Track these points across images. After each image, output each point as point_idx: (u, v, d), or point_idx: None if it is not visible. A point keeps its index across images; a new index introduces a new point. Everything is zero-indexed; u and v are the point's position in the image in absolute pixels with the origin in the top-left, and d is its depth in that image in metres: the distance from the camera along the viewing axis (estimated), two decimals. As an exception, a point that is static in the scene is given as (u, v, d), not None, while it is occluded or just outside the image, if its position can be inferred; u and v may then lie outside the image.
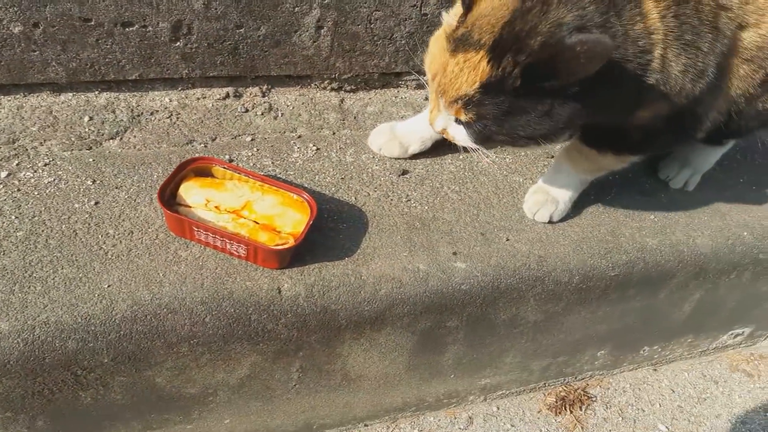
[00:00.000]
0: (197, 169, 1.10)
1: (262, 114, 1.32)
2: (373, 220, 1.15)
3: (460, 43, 0.91)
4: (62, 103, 1.22)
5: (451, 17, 0.96)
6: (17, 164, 1.10)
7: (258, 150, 1.24)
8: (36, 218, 1.03)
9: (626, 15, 0.89)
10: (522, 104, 0.90)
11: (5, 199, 1.04)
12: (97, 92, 1.25)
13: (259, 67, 1.32)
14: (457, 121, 0.99)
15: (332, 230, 1.12)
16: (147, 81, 1.27)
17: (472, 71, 0.90)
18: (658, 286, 1.32)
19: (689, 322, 1.49)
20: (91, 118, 1.21)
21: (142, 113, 1.25)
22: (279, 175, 1.19)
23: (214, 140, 1.24)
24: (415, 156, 1.30)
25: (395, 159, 1.29)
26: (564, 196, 1.22)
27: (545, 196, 1.23)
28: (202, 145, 1.22)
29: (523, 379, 1.42)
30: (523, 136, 0.94)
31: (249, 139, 1.26)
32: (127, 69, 1.23)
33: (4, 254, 0.97)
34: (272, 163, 1.22)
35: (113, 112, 1.23)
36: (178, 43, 1.23)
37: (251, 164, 1.20)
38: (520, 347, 1.31)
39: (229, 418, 1.16)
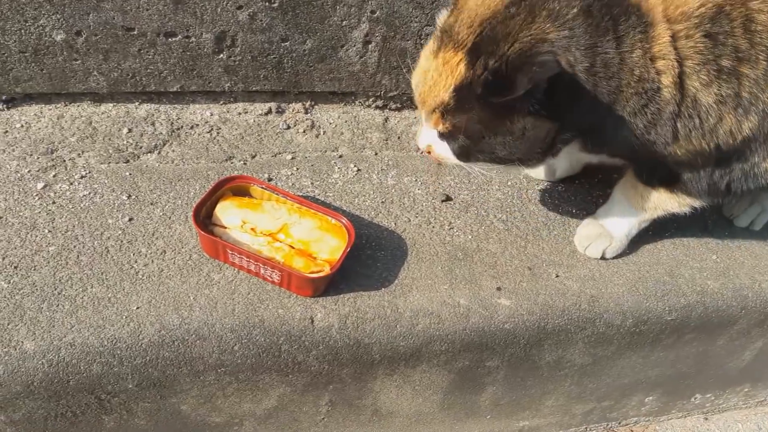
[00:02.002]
0: (235, 188, 1.06)
1: (304, 131, 1.27)
2: (413, 249, 1.09)
3: (444, 35, 0.86)
4: (102, 113, 1.20)
5: (443, 18, 0.91)
6: (54, 176, 1.08)
7: (298, 169, 1.19)
8: (69, 233, 1.00)
9: (627, 41, 0.83)
10: (493, 120, 0.85)
11: (40, 212, 1.02)
12: (137, 103, 1.23)
13: (303, 82, 1.27)
14: (440, 136, 0.93)
15: (370, 258, 1.06)
16: (188, 93, 1.24)
17: (449, 74, 0.84)
18: (718, 332, 1.22)
19: (748, 371, 1.38)
20: (130, 130, 1.19)
21: (182, 127, 1.22)
22: (318, 197, 1.14)
23: (253, 157, 1.20)
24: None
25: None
26: (619, 232, 1.14)
27: (599, 230, 1.14)
28: (242, 162, 1.19)
29: (564, 423, 1.33)
30: (502, 157, 0.90)
31: (289, 157, 1.22)
32: (168, 80, 1.20)
33: (35, 269, 0.94)
34: (311, 183, 1.17)
35: (152, 124, 1.21)
36: (221, 55, 1.20)
37: (290, 184, 1.16)
38: (564, 390, 1.23)
39: (254, 448, 1.12)
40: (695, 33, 0.84)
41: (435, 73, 0.86)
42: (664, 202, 1.08)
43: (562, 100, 0.81)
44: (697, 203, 1.07)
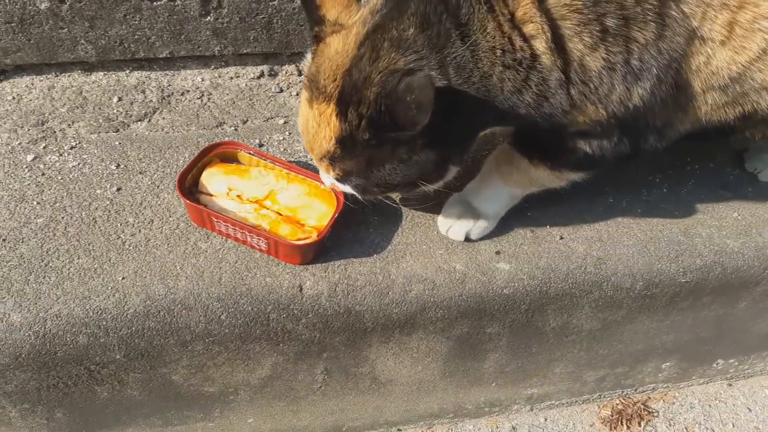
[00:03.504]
0: (222, 154, 1.03)
1: (297, 94, 1.23)
2: (408, 213, 1.05)
3: (312, 85, 0.83)
4: (93, 83, 1.18)
5: (307, 65, 0.86)
6: (44, 147, 1.07)
7: (290, 134, 1.16)
8: (57, 204, 0.99)
9: (473, 24, 0.75)
10: (381, 155, 0.82)
11: (29, 184, 1.01)
12: (128, 71, 1.20)
13: (295, 43, 1.23)
14: (336, 179, 0.89)
15: (362, 223, 1.03)
16: (179, 59, 1.21)
17: (327, 126, 0.81)
18: (739, 294, 1.15)
19: (774, 335, 1.30)
20: (120, 99, 1.17)
21: (172, 93, 1.19)
22: (310, 162, 1.11)
23: (245, 123, 1.17)
24: None
25: None
26: (488, 211, 1.02)
27: (464, 208, 1.02)
28: (233, 128, 1.16)
29: (575, 390, 1.29)
30: (398, 183, 0.86)
31: (282, 121, 1.18)
32: (157, 46, 1.17)
33: (22, 242, 0.94)
34: (304, 148, 1.13)
35: (143, 92, 1.18)
36: (209, 18, 1.16)
37: (282, 149, 1.13)
38: (572, 357, 1.18)
39: (252, 417, 1.11)
40: None
41: (314, 123, 0.83)
42: (542, 179, 0.98)
43: (437, 118, 0.74)
44: (577, 177, 0.97)
